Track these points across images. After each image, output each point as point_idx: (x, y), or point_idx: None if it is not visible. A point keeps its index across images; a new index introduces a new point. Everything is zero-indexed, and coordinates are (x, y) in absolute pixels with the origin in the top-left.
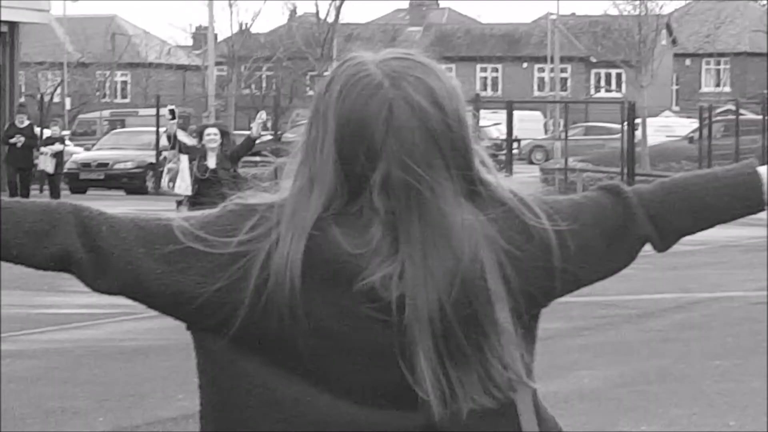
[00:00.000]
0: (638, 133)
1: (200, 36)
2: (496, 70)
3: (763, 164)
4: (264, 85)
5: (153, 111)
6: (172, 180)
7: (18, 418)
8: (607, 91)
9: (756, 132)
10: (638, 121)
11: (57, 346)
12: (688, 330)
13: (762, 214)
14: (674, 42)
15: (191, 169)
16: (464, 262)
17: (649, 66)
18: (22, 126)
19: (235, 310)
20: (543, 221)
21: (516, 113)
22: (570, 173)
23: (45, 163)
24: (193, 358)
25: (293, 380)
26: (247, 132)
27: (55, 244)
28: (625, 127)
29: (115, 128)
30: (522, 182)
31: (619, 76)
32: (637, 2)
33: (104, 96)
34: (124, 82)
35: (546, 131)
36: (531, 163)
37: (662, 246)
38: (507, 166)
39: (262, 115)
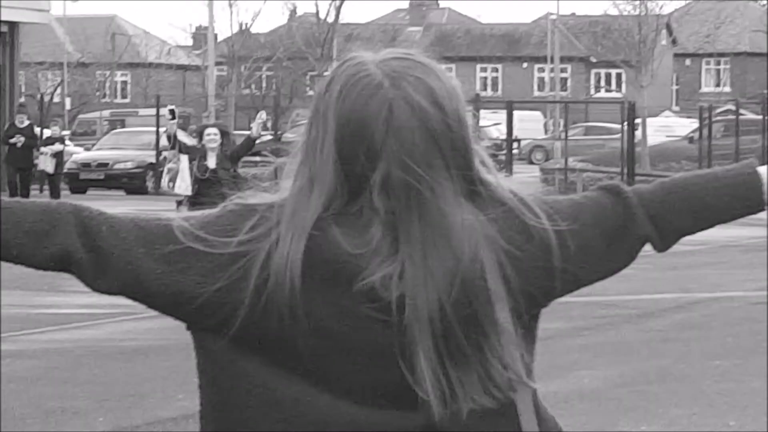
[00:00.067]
0: (638, 133)
1: (200, 36)
2: (496, 70)
3: (763, 164)
4: (264, 85)
5: (153, 111)
6: (172, 180)
7: (18, 418)
8: (607, 91)
9: (756, 132)
10: (638, 121)
11: (57, 346)
12: (688, 330)
13: (762, 214)
14: (674, 42)
15: (191, 169)
16: (464, 262)
17: (649, 66)
18: (22, 126)
19: (235, 310)
20: (543, 221)
21: (516, 113)
22: (570, 173)
23: (45, 163)
24: (193, 358)
25: (293, 380)
26: (247, 132)
27: (55, 244)
28: (625, 127)
29: (115, 128)
30: (522, 182)
31: (619, 76)
32: (637, 2)
33: (104, 96)
34: (124, 82)
35: (546, 131)
36: (531, 163)
37: (662, 246)
38: (507, 166)
39: (262, 115)
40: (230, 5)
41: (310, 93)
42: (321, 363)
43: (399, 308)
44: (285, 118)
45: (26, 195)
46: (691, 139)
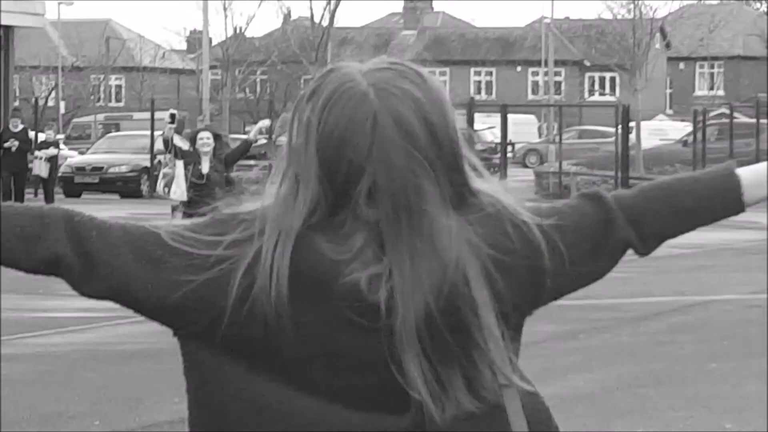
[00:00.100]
0: (632, 136)
1: (194, 40)
2: (491, 73)
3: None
4: (258, 88)
5: (147, 115)
6: (168, 185)
7: (13, 422)
8: (601, 94)
9: (750, 135)
10: (632, 124)
11: (52, 350)
12: (683, 333)
13: (759, 218)
14: (668, 46)
15: (186, 174)
16: (451, 269)
17: (643, 69)
18: (16, 130)
19: (220, 317)
20: (530, 227)
21: (510, 117)
22: (564, 176)
23: (39, 167)
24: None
25: (279, 385)
26: (241, 136)
27: (45, 248)
28: (619, 131)
29: (109, 132)
30: (509, 189)
31: (613, 79)
32: (631, 6)
33: (99, 100)
34: (119, 86)
35: (540, 135)
36: (525, 166)
37: (644, 250)
38: (501, 170)
39: (266, 122)
40: (224, 9)
41: None
42: (306, 368)
43: (386, 314)
44: (280, 122)
45: (20, 199)
46: (685, 143)
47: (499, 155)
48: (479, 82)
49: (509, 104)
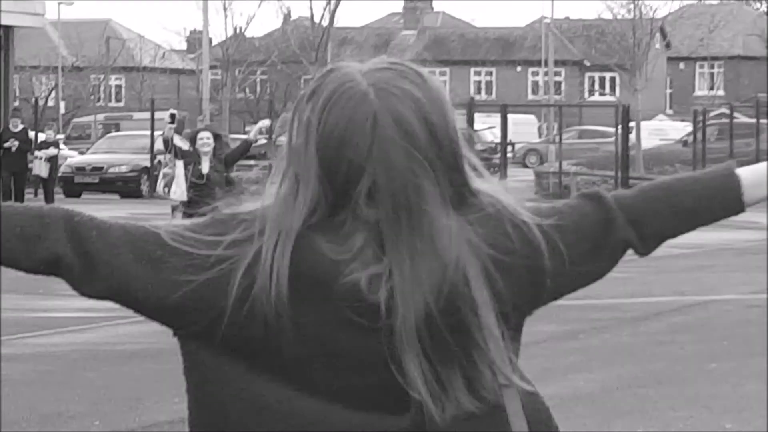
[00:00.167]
0: (632, 136)
1: (194, 40)
2: (491, 73)
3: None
4: (258, 88)
5: (147, 115)
6: (168, 186)
7: (13, 422)
8: (601, 94)
9: (750, 135)
10: (632, 124)
11: (52, 350)
12: (683, 333)
13: (759, 218)
14: (668, 46)
15: (186, 175)
16: (451, 269)
17: (643, 69)
18: (16, 130)
19: (220, 317)
20: (530, 227)
21: (510, 117)
22: (564, 176)
23: (39, 167)
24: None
25: (279, 385)
26: (241, 136)
27: (45, 248)
28: (619, 131)
29: (109, 132)
30: (509, 189)
31: (613, 79)
32: (631, 6)
33: (99, 100)
34: (119, 86)
35: (540, 135)
36: (525, 166)
37: (643, 250)
38: (501, 170)
39: (266, 122)
40: (225, 9)
41: None
42: (306, 368)
43: (386, 313)
44: (280, 121)
45: (20, 199)
46: (685, 143)
47: (499, 155)
48: (479, 82)
49: (509, 104)
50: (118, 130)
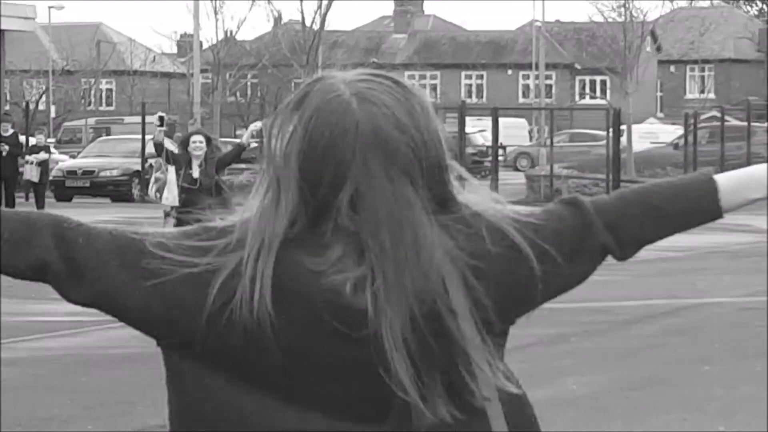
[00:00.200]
0: (623, 139)
1: (185, 43)
2: (481, 77)
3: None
4: (249, 92)
5: (138, 119)
6: (159, 191)
7: (6, 425)
8: (592, 98)
9: (741, 138)
10: (623, 127)
11: (45, 354)
12: (676, 336)
13: (751, 221)
14: (659, 49)
15: (177, 179)
16: (433, 278)
17: (633, 73)
18: (6, 134)
19: (202, 327)
20: (511, 234)
21: (501, 120)
22: (555, 180)
23: (30, 172)
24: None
25: (260, 395)
26: (233, 140)
27: (32, 254)
28: (610, 134)
29: (100, 136)
30: (493, 197)
31: (603, 82)
32: (622, 9)
33: (89, 104)
34: (109, 90)
35: (531, 138)
36: (516, 169)
37: (621, 254)
38: (492, 173)
39: (258, 125)
40: (215, 12)
41: None
42: (287, 378)
43: (370, 323)
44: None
45: (11, 204)
46: (676, 146)
47: (490, 158)
48: (470, 85)
49: (500, 107)
50: (108, 134)
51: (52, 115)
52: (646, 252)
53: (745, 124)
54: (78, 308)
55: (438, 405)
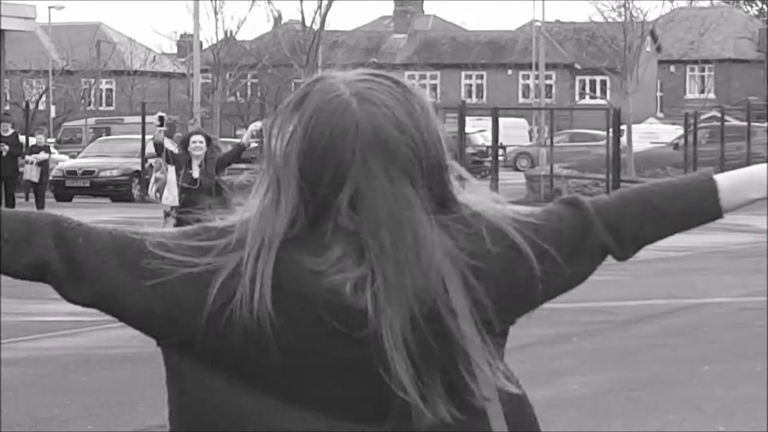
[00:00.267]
0: (623, 139)
1: (185, 43)
2: (481, 77)
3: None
4: (249, 92)
5: (138, 119)
6: (159, 191)
7: (6, 426)
8: (592, 98)
9: (741, 138)
10: (623, 127)
11: (45, 354)
12: (676, 336)
13: (751, 221)
14: (659, 49)
15: (177, 179)
16: (432, 278)
17: (633, 73)
18: (6, 134)
19: (202, 326)
20: (511, 234)
21: (501, 120)
22: (555, 180)
23: (30, 172)
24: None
25: (260, 395)
26: (232, 140)
27: (32, 253)
28: (610, 134)
29: (100, 136)
30: (493, 197)
31: (603, 83)
32: (622, 9)
33: (89, 104)
34: (109, 90)
35: (531, 138)
36: (516, 169)
37: (621, 254)
38: (492, 173)
39: (258, 125)
40: (215, 12)
41: None
42: (286, 378)
43: (371, 322)
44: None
45: (11, 204)
46: (676, 146)
47: (490, 158)
48: (470, 85)
49: (500, 107)
50: (108, 134)
51: (52, 115)
52: (646, 252)
53: (745, 124)
54: (78, 308)
55: (438, 405)
